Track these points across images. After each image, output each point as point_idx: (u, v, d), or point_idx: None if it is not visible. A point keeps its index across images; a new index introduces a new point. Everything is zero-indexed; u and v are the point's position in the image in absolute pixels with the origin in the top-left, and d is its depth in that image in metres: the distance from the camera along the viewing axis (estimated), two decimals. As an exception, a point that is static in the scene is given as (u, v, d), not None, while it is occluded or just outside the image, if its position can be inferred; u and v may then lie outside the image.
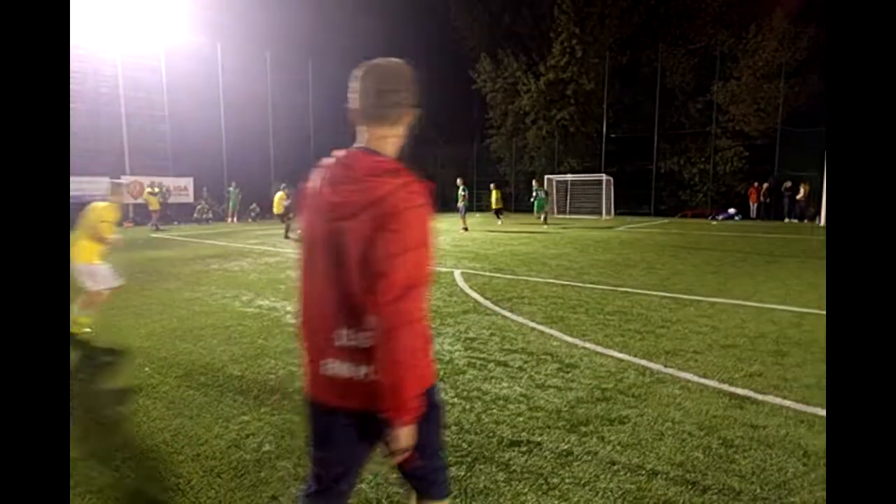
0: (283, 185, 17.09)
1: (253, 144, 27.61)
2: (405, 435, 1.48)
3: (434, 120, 38.45)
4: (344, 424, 1.60)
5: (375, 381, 1.47)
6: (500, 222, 21.71)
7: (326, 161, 1.63)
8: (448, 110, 38.03)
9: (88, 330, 5.48)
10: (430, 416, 1.59)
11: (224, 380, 4.09)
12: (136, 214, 22.29)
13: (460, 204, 19.54)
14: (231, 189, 24.56)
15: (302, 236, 1.64)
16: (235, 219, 24.69)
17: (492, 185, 22.65)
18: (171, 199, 23.78)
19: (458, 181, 20.14)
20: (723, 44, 26.84)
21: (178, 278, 8.68)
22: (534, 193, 22.31)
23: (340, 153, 1.60)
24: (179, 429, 3.27)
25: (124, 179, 22.44)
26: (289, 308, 6.46)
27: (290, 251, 12.49)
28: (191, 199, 24.84)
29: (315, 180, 1.61)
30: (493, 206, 22.00)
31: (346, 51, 31.84)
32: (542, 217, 21.90)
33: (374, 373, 1.48)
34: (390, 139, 1.61)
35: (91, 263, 5.44)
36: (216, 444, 3.06)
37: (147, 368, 4.35)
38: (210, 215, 24.65)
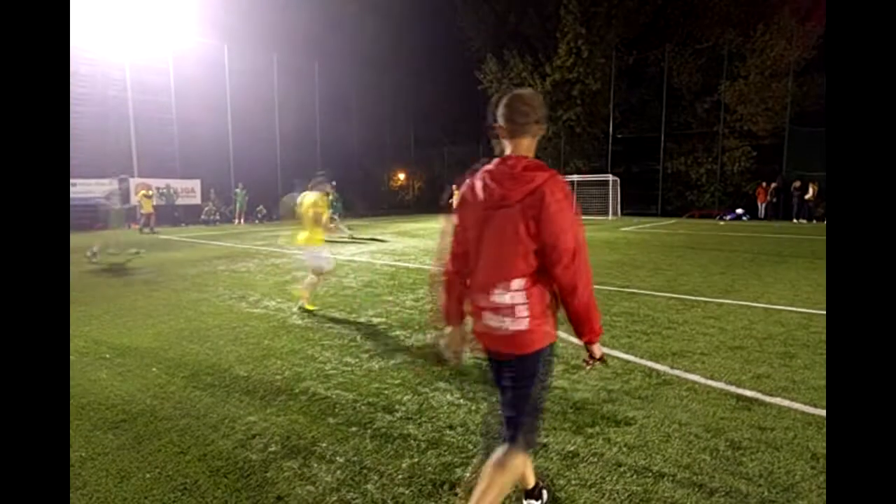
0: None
1: (260, 146, 27.71)
2: (598, 349, 2.10)
3: (440, 120, 38.52)
4: (495, 366, 2.19)
5: (513, 332, 2.02)
6: None
7: (483, 167, 2.13)
8: (454, 111, 38.05)
9: (311, 307, 6.42)
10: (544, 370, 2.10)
11: (230, 380, 4.11)
12: (142, 216, 22.46)
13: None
14: (238, 191, 24.67)
15: (459, 223, 2.17)
16: (242, 220, 24.80)
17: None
18: (179, 201, 23.92)
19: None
20: (730, 43, 26.68)
21: (186, 279, 8.73)
22: None
23: (495, 160, 2.10)
24: (186, 429, 3.28)
25: (132, 181, 22.65)
26: (295, 309, 6.48)
27: (298, 252, 12.53)
28: (198, 200, 24.97)
29: (475, 181, 2.12)
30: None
31: (352, 52, 32.04)
32: None
33: (510, 322, 2.01)
34: (529, 147, 2.07)
35: (318, 247, 6.50)
36: (222, 445, 3.07)
37: (154, 369, 4.38)
38: (217, 217, 24.77)
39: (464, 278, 2.19)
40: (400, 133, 38.57)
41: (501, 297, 2.01)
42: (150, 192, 19.89)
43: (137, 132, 23.30)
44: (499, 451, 2.11)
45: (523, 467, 2.18)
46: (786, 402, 3.59)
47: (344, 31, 31.83)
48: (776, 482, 2.64)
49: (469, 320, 2.22)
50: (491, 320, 2.06)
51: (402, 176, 40.11)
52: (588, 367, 2.18)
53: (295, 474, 2.75)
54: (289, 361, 4.55)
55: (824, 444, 3.00)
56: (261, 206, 26.36)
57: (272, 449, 3.02)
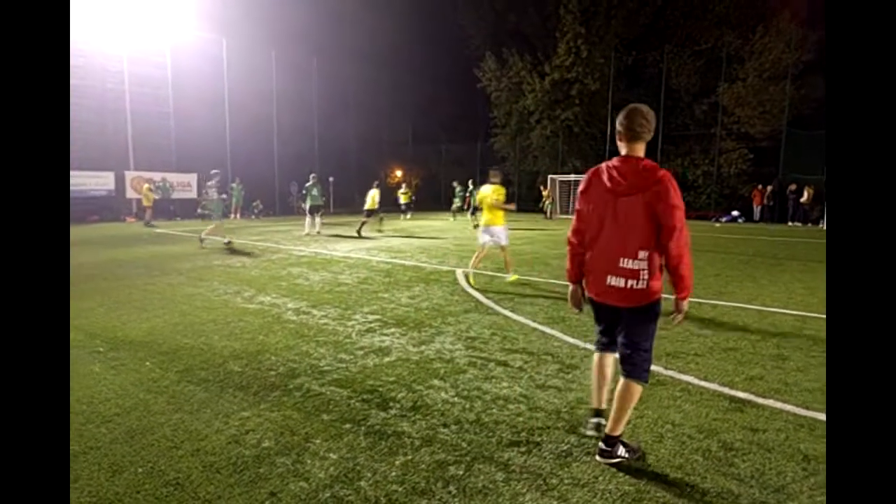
0: (377, 182, 17.61)
1: (257, 141, 27.66)
2: (685, 304, 2.76)
3: (438, 118, 38.45)
4: (612, 312, 2.85)
5: (637, 289, 2.67)
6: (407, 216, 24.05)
7: (606, 164, 2.79)
8: (452, 109, 37.99)
9: (517, 277, 8.38)
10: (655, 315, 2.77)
11: (224, 375, 4.10)
12: (139, 209, 22.36)
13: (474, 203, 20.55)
14: (234, 185, 24.59)
15: (587, 204, 2.83)
16: (238, 215, 24.73)
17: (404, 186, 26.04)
18: (175, 195, 23.84)
19: (469, 182, 21.16)
20: (729, 45, 26.73)
21: (181, 273, 8.70)
22: (462, 192, 21.92)
23: (616, 160, 2.75)
24: (179, 424, 3.28)
25: (128, 174, 22.55)
26: (290, 305, 6.47)
27: (292, 248, 12.51)
28: (194, 194, 24.89)
29: (600, 173, 2.79)
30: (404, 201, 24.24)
31: (351, 48, 31.98)
32: (454, 215, 21.63)
33: (636, 281, 2.67)
34: (642, 150, 2.77)
35: (501, 226, 8.02)
36: (216, 440, 3.07)
37: (148, 363, 4.36)
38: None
39: (584, 249, 2.89)
40: (398, 130, 38.49)
41: (628, 264, 2.67)
42: (153, 187, 19.77)
43: (134, 125, 23.19)
44: (622, 382, 2.80)
45: (639, 393, 2.84)
46: (778, 404, 3.61)
47: (343, 27, 31.80)
48: (767, 483, 2.66)
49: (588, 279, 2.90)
50: (617, 281, 2.71)
51: (399, 173, 40.07)
52: (676, 321, 2.82)
53: (288, 470, 2.75)
54: (283, 357, 4.54)
55: (816, 446, 3.02)
56: (257, 201, 26.28)
57: (265, 444, 3.02)
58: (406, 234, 16.48)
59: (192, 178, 24.97)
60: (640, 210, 2.61)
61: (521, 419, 3.37)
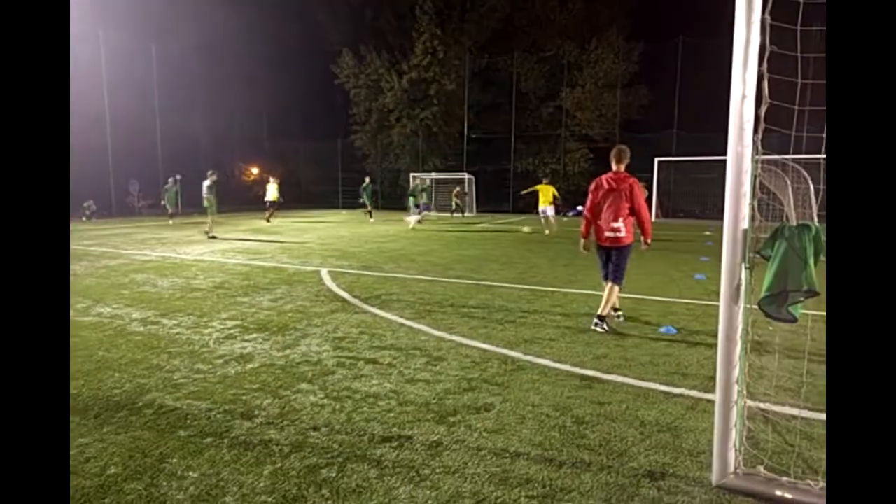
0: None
1: (85, 132, 24.46)
2: (649, 243, 5.72)
3: (297, 114, 37.12)
4: (607, 251, 5.58)
5: (620, 237, 5.42)
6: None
7: (605, 176, 5.53)
8: (311, 105, 36.90)
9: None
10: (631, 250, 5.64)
11: (56, 400, 3.61)
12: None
13: (422, 202, 21.31)
14: (59, 184, 21.52)
15: (597, 196, 5.52)
16: (65, 217, 21.71)
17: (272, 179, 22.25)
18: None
19: (418, 181, 22.63)
20: (569, 54, 29.19)
21: (-7, 287, 7.46)
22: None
23: (611, 173, 5.48)
24: (0, 460, 2.83)
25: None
26: (135, 315, 5.87)
27: (135, 252, 11.32)
28: None
29: (602, 181, 5.51)
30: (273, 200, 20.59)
31: (197, 41, 29.64)
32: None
33: (620, 234, 5.42)
34: (623, 167, 5.49)
35: (552, 206, 12.91)
36: (49, 473, 2.70)
37: (-47, 394, 3.70)
38: (32, 213, 21.40)
39: (594, 219, 5.53)
40: (254, 126, 36.54)
41: (616, 225, 5.36)
42: None
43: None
44: (608, 284, 5.43)
45: (617, 294, 5.52)
46: (620, 378, 4.05)
47: (187, 16, 29.28)
48: (613, 449, 2.97)
49: (592, 236, 5.63)
50: (610, 234, 5.40)
51: (255, 170, 38.02)
52: (644, 248, 5.70)
53: (140, 496, 2.51)
54: (129, 373, 4.11)
55: (650, 412, 3.43)
56: (90, 202, 23.22)
57: (111, 471, 2.72)
58: (265, 234, 15.72)
59: None
60: (622, 198, 5.31)
61: (391, 415, 3.40)
